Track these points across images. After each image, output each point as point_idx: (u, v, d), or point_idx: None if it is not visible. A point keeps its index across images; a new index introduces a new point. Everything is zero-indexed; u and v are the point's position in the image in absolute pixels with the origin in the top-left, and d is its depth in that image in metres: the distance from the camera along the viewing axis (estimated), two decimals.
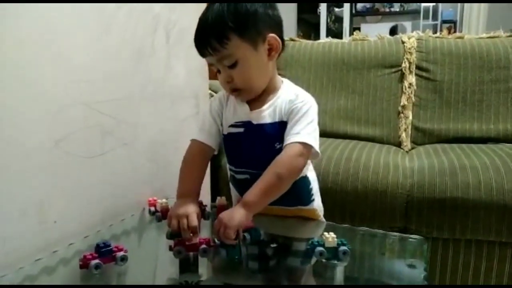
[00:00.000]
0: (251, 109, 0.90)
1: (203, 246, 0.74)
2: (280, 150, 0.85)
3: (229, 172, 0.99)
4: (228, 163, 0.96)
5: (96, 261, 0.70)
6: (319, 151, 0.87)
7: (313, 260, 0.74)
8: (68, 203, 0.88)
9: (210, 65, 0.89)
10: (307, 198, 0.96)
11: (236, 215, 0.76)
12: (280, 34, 0.88)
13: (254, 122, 0.89)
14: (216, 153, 0.97)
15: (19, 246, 0.77)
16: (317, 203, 0.99)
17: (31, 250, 0.79)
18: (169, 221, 0.80)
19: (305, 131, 0.84)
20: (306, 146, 0.84)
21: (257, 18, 0.83)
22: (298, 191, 0.92)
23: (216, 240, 0.76)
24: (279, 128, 0.87)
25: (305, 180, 0.94)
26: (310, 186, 0.96)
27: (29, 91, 0.78)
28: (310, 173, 0.98)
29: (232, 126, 0.91)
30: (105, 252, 0.72)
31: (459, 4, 4.49)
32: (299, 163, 0.84)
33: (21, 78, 0.76)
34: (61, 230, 0.85)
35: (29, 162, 0.79)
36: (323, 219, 1.00)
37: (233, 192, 1.01)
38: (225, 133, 0.93)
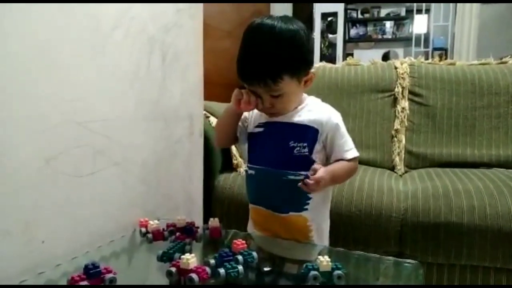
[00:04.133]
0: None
1: (192, 274, 0.71)
2: (293, 149, 0.95)
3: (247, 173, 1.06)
4: (247, 161, 1.05)
5: (84, 282, 0.68)
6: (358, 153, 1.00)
7: (308, 284, 0.72)
8: (56, 223, 0.85)
9: (250, 89, 0.95)
10: (301, 204, 0.98)
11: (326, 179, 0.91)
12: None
13: (277, 120, 0.98)
14: (234, 143, 1.14)
15: (3, 268, 0.75)
16: (312, 217, 1.00)
17: (16, 272, 0.76)
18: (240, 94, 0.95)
19: (351, 145, 0.99)
20: (355, 158, 0.99)
21: (306, 59, 0.95)
22: (296, 193, 0.95)
23: (215, 261, 0.75)
24: (300, 130, 0.96)
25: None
26: (309, 195, 0.98)
27: (21, 109, 0.77)
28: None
29: (256, 126, 1.02)
30: (93, 273, 0.70)
31: (450, 32, 4.60)
32: (354, 172, 1.02)
33: (13, 95, 0.75)
34: (49, 250, 0.83)
35: (17, 180, 0.77)
36: (314, 241, 1.01)
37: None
38: (250, 131, 1.04)
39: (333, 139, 0.97)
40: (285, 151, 0.96)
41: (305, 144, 0.95)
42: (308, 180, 0.89)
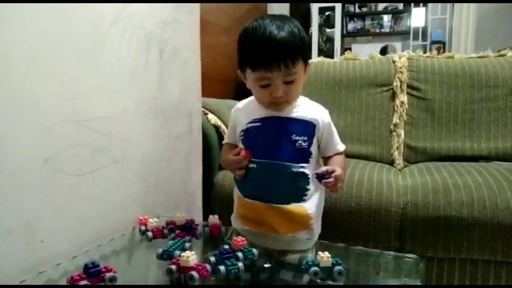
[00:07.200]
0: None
1: (192, 272, 0.71)
2: (295, 142, 1.01)
3: None
4: None
5: (84, 282, 0.68)
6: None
7: (308, 280, 0.72)
8: (56, 222, 0.85)
9: (261, 79, 0.98)
10: (302, 195, 1.03)
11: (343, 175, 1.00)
12: None
13: (276, 115, 1.03)
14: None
15: (4, 267, 0.75)
16: (310, 206, 1.04)
17: (17, 271, 0.76)
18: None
19: (339, 139, 1.11)
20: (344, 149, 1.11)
21: (309, 47, 1.05)
22: (297, 184, 1.02)
23: (215, 258, 0.76)
24: (301, 125, 1.03)
25: (304, 176, 1.02)
26: (308, 186, 1.03)
27: (19, 108, 0.77)
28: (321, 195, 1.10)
29: (250, 122, 1.06)
30: (93, 272, 0.70)
31: (447, 25, 4.59)
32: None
33: (10, 94, 0.75)
34: (49, 250, 0.83)
35: (17, 180, 0.77)
36: (315, 232, 1.06)
37: (236, 192, 1.12)
38: (244, 128, 1.07)
39: (327, 136, 1.07)
40: (288, 144, 1.01)
41: (306, 138, 1.02)
42: (329, 180, 0.96)
